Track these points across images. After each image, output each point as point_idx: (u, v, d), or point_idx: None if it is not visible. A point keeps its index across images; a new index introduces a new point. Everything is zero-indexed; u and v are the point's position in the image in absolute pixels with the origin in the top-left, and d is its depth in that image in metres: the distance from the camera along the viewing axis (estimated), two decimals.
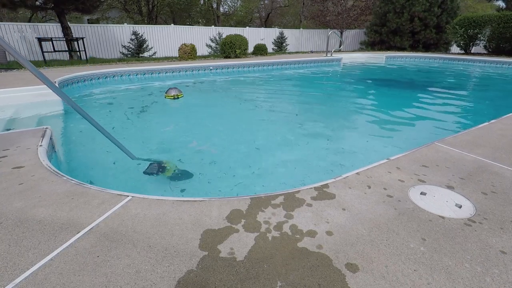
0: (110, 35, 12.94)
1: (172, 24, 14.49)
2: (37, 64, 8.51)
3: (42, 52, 8.83)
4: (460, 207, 1.46)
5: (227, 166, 2.55)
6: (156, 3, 20.44)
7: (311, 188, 1.62)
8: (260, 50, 11.97)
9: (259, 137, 3.37)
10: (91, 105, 4.77)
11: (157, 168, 2.38)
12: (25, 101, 4.34)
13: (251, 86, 6.82)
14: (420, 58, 12.39)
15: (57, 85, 4.66)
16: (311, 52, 16.31)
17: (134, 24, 17.03)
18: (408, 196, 1.55)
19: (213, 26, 15.84)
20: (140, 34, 12.34)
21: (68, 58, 10.65)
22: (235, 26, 21.37)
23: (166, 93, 5.00)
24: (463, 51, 13.83)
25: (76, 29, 11.97)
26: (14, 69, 7.19)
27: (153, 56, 13.07)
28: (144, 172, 2.31)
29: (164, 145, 3.07)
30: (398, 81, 7.71)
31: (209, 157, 2.76)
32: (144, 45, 12.51)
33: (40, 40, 8.84)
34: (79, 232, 1.24)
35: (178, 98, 4.93)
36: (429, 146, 2.24)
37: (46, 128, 2.55)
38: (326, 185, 1.65)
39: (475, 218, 1.37)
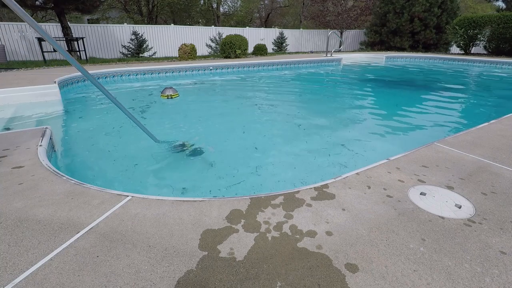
0: (110, 35, 12.95)
1: (172, 24, 14.49)
2: (36, 64, 8.51)
3: (42, 52, 8.84)
4: (460, 207, 1.46)
5: (226, 166, 2.55)
6: (156, 3, 20.45)
7: (311, 188, 1.62)
8: (260, 50, 11.97)
9: (259, 136, 3.37)
10: (91, 105, 4.77)
11: (178, 146, 2.98)
12: (25, 101, 4.34)
13: (251, 86, 6.82)
14: (420, 59, 12.40)
15: (57, 84, 4.66)
16: (311, 52, 16.32)
17: (134, 24, 17.03)
18: (408, 196, 1.55)
19: (213, 26, 15.85)
20: (140, 34, 12.35)
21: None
22: (235, 26, 21.38)
23: (161, 93, 5.05)
24: (463, 52, 13.84)
25: (76, 29, 11.98)
26: (14, 69, 7.19)
27: (153, 56, 13.07)
28: (169, 150, 2.90)
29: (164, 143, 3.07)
30: (398, 81, 7.72)
31: (209, 156, 2.76)
32: (144, 45, 12.52)
33: (40, 40, 8.85)
34: (78, 232, 1.24)
35: (172, 98, 4.96)
36: (428, 147, 2.24)
37: (46, 128, 2.55)
38: (326, 185, 1.65)
39: (474, 219, 1.37)
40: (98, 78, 6.46)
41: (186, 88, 6.31)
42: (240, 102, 5.14)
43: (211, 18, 24.62)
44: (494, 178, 1.76)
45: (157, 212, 1.38)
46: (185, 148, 2.94)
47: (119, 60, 10.12)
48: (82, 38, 9.68)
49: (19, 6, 1.86)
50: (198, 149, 2.93)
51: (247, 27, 16.71)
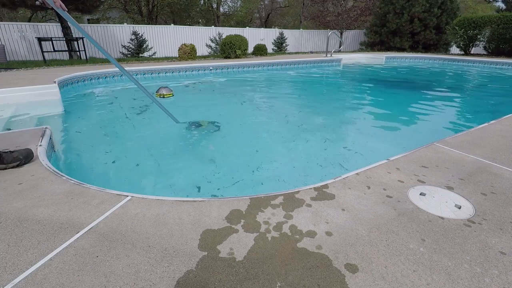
0: (110, 35, 12.95)
1: (172, 24, 14.49)
2: (36, 64, 8.51)
3: (42, 52, 8.84)
4: (460, 207, 1.46)
5: (226, 166, 2.55)
6: (156, 3, 20.46)
7: (311, 188, 1.62)
8: (260, 50, 11.97)
9: (258, 137, 3.37)
10: (91, 105, 4.77)
11: (196, 124, 3.57)
12: (25, 101, 4.34)
13: (251, 87, 6.82)
14: (419, 59, 12.41)
15: (56, 84, 4.66)
16: (311, 52, 16.32)
17: (134, 24, 17.03)
18: (407, 196, 1.55)
19: (213, 26, 15.85)
20: (140, 34, 12.35)
21: (68, 58, 10.65)
22: (235, 27, 21.38)
23: (156, 92, 5.14)
24: (462, 52, 13.84)
25: (76, 29, 11.97)
26: (14, 69, 7.18)
27: (153, 56, 13.08)
28: (187, 128, 3.45)
29: (164, 143, 3.07)
30: (397, 81, 7.72)
31: (208, 155, 2.76)
32: (144, 45, 12.52)
33: (40, 39, 8.84)
34: (78, 232, 1.23)
35: (164, 97, 5.01)
36: (428, 147, 2.24)
37: (46, 128, 2.55)
38: (326, 186, 1.65)
39: (474, 219, 1.37)
40: (98, 78, 6.46)
41: (186, 88, 6.31)
42: (239, 102, 5.14)
43: (211, 18, 24.63)
44: (494, 179, 1.76)
45: (157, 212, 1.38)
46: (201, 125, 3.46)
47: (119, 60, 10.12)
48: (82, 38, 9.67)
49: (68, 15, 1.96)
50: (215, 124, 3.49)
51: (247, 27, 16.72)
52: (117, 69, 6.93)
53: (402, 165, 1.93)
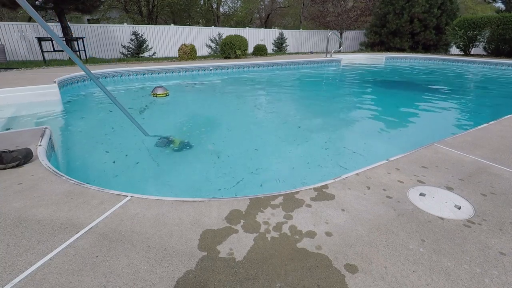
0: (110, 35, 12.95)
1: (172, 25, 14.49)
2: (36, 64, 8.51)
3: (42, 51, 8.83)
4: (459, 208, 1.46)
5: (226, 166, 2.55)
6: (156, 3, 20.45)
7: (311, 188, 1.62)
8: (260, 50, 11.97)
9: (258, 137, 3.37)
10: (91, 105, 4.77)
11: (166, 142, 2.96)
12: (25, 101, 4.34)
13: (251, 87, 6.82)
14: (419, 59, 12.41)
15: (56, 84, 4.66)
16: (311, 53, 16.32)
17: (134, 24, 17.03)
18: (407, 197, 1.55)
19: (213, 27, 15.84)
20: (140, 34, 12.35)
21: (68, 58, 10.64)
22: (235, 27, 21.36)
23: (152, 91, 5.22)
24: (462, 53, 13.85)
25: (76, 29, 11.97)
26: (14, 68, 7.18)
27: (153, 56, 13.07)
28: (156, 145, 2.87)
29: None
30: (397, 82, 7.72)
31: (208, 156, 2.76)
32: (144, 45, 12.52)
33: (40, 39, 8.84)
34: (78, 232, 1.23)
35: (156, 96, 5.07)
36: (428, 147, 2.24)
37: (46, 128, 2.55)
38: (326, 186, 1.65)
39: (474, 219, 1.37)
40: (98, 78, 6.45)
41: (186, 89, 6.31)
42: (239, 103, 5.14)
43: (211, 18, 24.63)
44: (493, 179, 1.76)
45: (156, 212, 1.38)
46: (171, 144, 2.95)
47: (119, 60, 10.12)
48: (82, 38, 9.67)
49: (29, 5, 1.91)
50: (187, 146, 2.91)
51: (247, 28, 16.71)
52: (117, 69, 6.96)
53: (402, 165, 1.93)
